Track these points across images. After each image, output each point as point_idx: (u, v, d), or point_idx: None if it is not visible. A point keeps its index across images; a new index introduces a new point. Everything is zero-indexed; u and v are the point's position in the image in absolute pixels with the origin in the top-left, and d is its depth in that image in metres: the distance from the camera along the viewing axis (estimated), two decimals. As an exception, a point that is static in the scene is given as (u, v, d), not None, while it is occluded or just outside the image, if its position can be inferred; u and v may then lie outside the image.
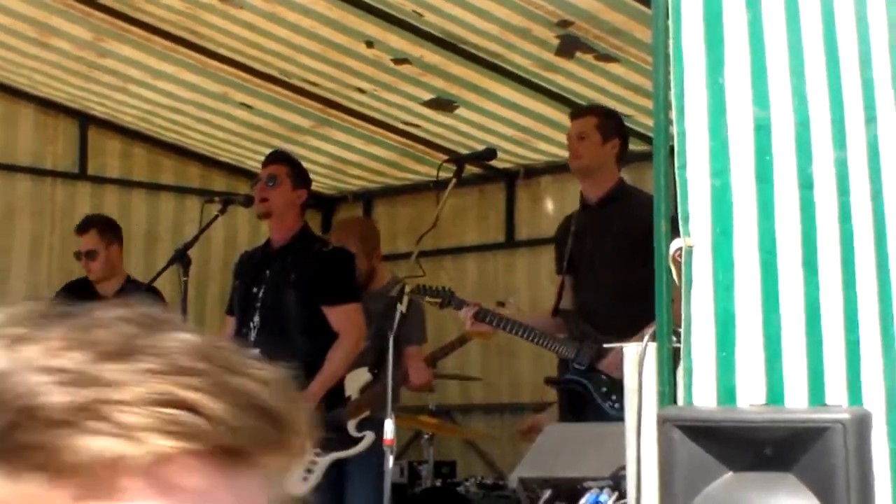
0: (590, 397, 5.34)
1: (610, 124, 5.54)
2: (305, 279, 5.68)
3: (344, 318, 5.69)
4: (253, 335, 5.71)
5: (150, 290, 6.84)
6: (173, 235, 8.29)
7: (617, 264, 5.38)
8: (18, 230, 7.75)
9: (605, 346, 4.89)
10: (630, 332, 5.13)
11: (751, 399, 3.15)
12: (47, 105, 7.99)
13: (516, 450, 7.67)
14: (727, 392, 3.20)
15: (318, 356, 5.63)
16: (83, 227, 6.89)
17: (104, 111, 7.98)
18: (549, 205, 8.07)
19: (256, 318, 5.72)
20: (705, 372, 3.24)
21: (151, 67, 6.97)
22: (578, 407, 5.39)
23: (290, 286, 5.69)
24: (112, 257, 6.88)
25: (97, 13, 6.47)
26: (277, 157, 5.99)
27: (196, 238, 5.59)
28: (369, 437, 6.38)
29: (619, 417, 5.12)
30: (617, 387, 5.21)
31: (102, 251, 6.84)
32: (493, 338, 6.20)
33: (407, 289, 4.95)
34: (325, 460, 6.45)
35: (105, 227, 6.93)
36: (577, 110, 5.79)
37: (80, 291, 6.95)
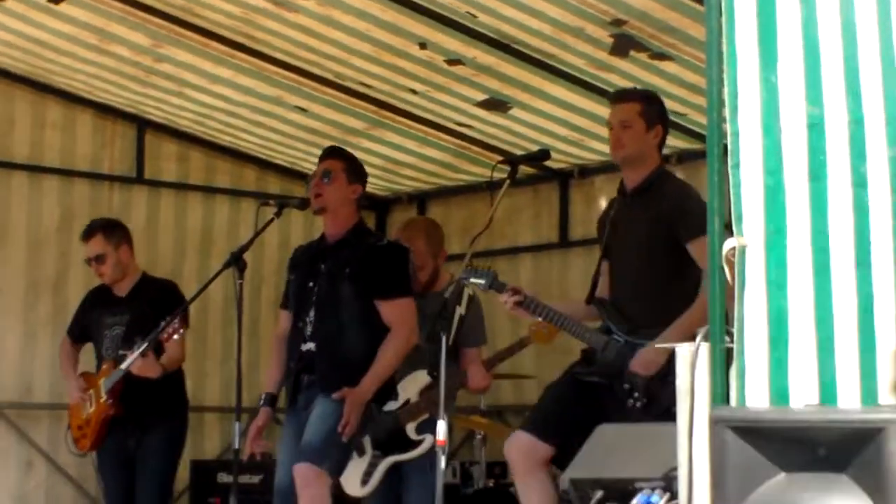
0: (612, 392, 5.30)
1: (653, 110, 5.43)
2: (360, 273, 5.67)
3: (396, 313, 5.68)
4: (309, 329, 5.72)
5: (165, 287, 6.91)
6: (228, 238, 8.35)
7: (646, 254, 5.34)
8: (76, 235, 7.82)
9: (657, 346, 4.87)
10: (658, 321, 5.12)
11: (803, 399, 3.13)
12: (105, 110, 8.09)
13: (570, 451, 7.66)
14: (780, 392, 3.18)
15: (372, 350, 5.64)
16: (88, 234, 6.89)
17: (161, 115, 8.06)
18: (604, 204, 8.03)
19: (312, 312, 5.73)
20: (758, 372, 3.23)
21: (207, 72, 7.03)
22: (592, 399, 5.30)
23: (344, 280, 5.69)
24: (122, 258, 6.90)
25: (155, 19, 6.54)
26: (332, 153, 5.98)
27: (251, 241, 5.62)
28: (428, 440, 6.39)
29: (640, 415, 5.13)
30: (640, 384, 5.19)
31: (111, 253, 6.86)
32: (555, 340, 6.17)
33: (466, 292, 4.94)
34: (385, 462, 6.48)
35: (110, 230, 6.94)
36: (619, 95, 5.62)
37: (100, 296, 7.02)
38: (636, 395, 5.21)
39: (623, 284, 5.46)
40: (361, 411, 5.61)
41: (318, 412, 5.56)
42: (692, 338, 4.77)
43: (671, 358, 5.07)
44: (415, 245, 6.60)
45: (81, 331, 7.02)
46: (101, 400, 6.70)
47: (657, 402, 5.14)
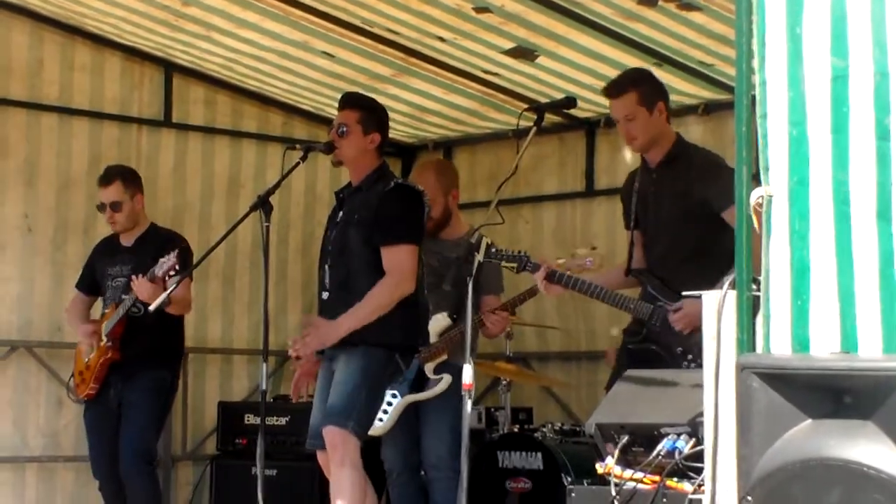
0: (665, 359, 5.36)
1: (649, 91, 5.47)
2: (366, 219, 5.63)
3: (394, 259, 5.58)
4: (326, 278, 5.75)
5: (170, 239, 6.94)
6: (255, 182, 8.40)
7: (680, 224, 5.39)
8: (104, 176, 7.88)
9: (684, 294, 4.91)
10: (697, 288, 5.14)
11: (824, 348, 3.17)
12: (133, 53, 8.12)
13: (593, 397, 7.73)
14: (801, 340, 3.22)
15: None
16: (107, 179, 6.93)
17: (188, 59, 8.09)
18: (629, 154, 8.06)
19: (329, 260, 5.75)
20: (782, 320, 3.26)
21: (235, 16, 7.04)
22: (649, 367, 5.36)
23: (353, 226, 5.67)
24: (136, 208, 6.96)
25: (183, -37, 6.55)
26: (348, 102, 5.89)
27: (277, 185, 5.64)
28: (446, 379, 6.47)
29: None
30: (690, 345, 5.23)
31: (128, 202, 6.92)
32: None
33: (485, 241, 4.98)
34: (401, 402, 6.55)
35: (129, 178, 6.98)
36: (614, 88, 5.59)
37: (106, 246, 7.08)
38: (690, 356, 5.26)
39: (658, 254, 5.51)
40: (322, 343, 5.58)
41: (340, 373, 5.57)
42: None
43: None
44: (423, 179, 6.61)
45: (91, 282, 7.08)
46: (102, 343, 6.76)
47: None
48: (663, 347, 5.38)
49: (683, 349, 5.30)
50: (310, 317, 5.65)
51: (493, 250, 5.63)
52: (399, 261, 5.59)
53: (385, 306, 5.57)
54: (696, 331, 5.16)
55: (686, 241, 5.39)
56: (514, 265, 5.70)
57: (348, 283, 5.63)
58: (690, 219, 5.36)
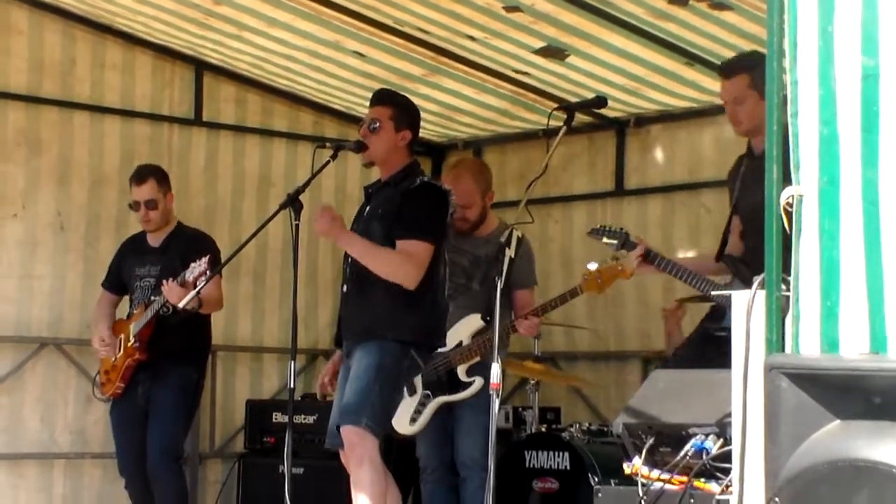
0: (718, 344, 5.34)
1: (762, 76, 5.39)
2: (390, 213, 5.62)
3: (408, 249, 5.53)
4: (349, 271, 5.73)
5: (197, 239, 6.96)
6: (286, 181, 8.42)
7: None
8: (136, 174, 7.91)
9: (713, 293, 4.89)
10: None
11: (853, 349, 3.15)
12: (164, 52, 8.14)
13: (621, 397, 7.73)
14: (830, 341, 3.21)
15: (399, 293, 5.56)
16: (141, 177, 6.94)
17: (219, 58, 8.11)
18: (659, 154, 8.05)
19: (350, 257, 5.72)
20: (811, 321, 3.25)
21: (266, 15, 7.06)
22: (724, 354, 5.34)
23: (377, 220, 5.66)
24: (168, 206, 6.99)
25: (215, -38, 6.57)
26: (380, 98, 5.87)
27: (307, 183, 5.63)
28: (479, 381, 6.46)
29: None
30: None
31: (161, 200, 6.95)
32: (605, 291, 6.23)
33: (515, 235, 4.95)
34: (434, 403, 6.55)
35: (162, 177, 7.01)
36: (727, 68, 5.53)
37: (133, 246, 7.10)
38: None
39: (752, 243, 5.47)
40: (322, 231, 5.56)
41: (354, 370, 5.55)
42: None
43: None
44: (462, 183, 6.62)
45: (118, 281, 7.11)
46: (129, 344, 6.79)
47: None
48: None
49: None
50: (328, 206, 5.63)
51: (596, 227, 5.67)
52: (414, 252, 5.55)
53: (386, 270, 5.52)
54: None
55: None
56: (615, 241, 5.69)
57: (367, 275, 5.61)
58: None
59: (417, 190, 5.68)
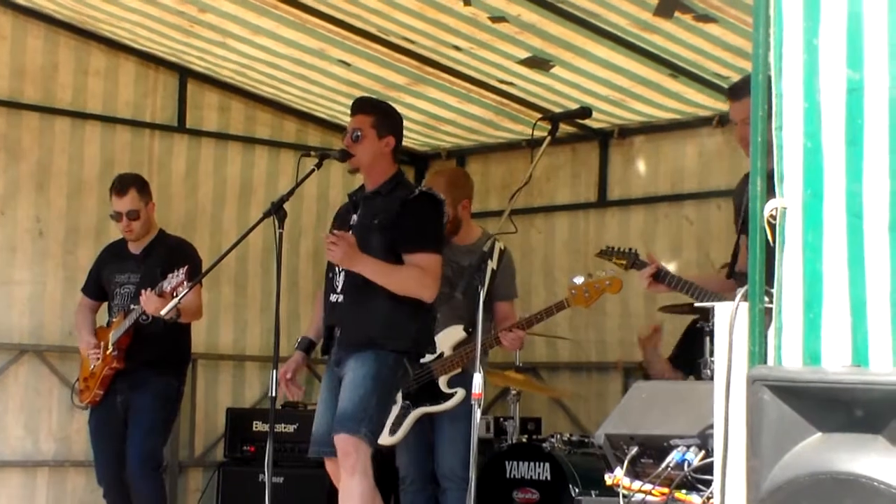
0: None
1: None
2: (389, 224, 5.59)
3: (424, 264, 5.56)
4: (339, 281, 5.66)
5: (178, 247, 6.93)
6: (267, 188, 8.41)
7: None
8: (117, 181, 7.88)
9: (696, 304, 4.90)
10: None
11: (835, 361, 3.15)
12: (148, 58, 8.13)
13: (601, 408, 7.73)
14: (812, 353, 3.21)
15: (398, 304, 5.55)
16: (123, 188, 6.88)
17: (203, 65, 8.10)
18: (642, 165, 8.07)
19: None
20: (793, 333, 3.25)
21: (250, 23, 7.06)
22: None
23: (373, 230, 5.61)
24: (150, 215, 6.95)
25: (198, -32, 6.56)
26: (361, 107, 5.83)
27: (292, 191, 5.59)
28: (461, 393, 6.45)
29: None
30: None
31: (143, 210, 6.90)
32: (591, 305, 6.24)
33: (498, 247, 4.95)
34: (414, 413, 6.53)
35: (143, 186, 6.95)
36: (735, 91, 5.52)
37: (113, 252, 7.07)
38: None
39: None
40: (340, 260, 5.50)
41: (351, 379, 5.50)
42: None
43: None
44: (436, 189, 6.62)
45: (97, 288, 7.08)
46: (108, 352, 6.76)
47: None
48: None
49: None
50: (345, 233, 5.57)
51: (606, 248, 5.67)
52: (427, 265, 5.57)
53: (405, 288, 5.53)
54: None
55: None
56: (624, 262, 5.69)
57: (366, 285, 5.59)
58: None
59: (418, 201, 5.67)
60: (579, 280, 6.18)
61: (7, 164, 7.73)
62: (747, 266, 5.42)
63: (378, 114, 5.78)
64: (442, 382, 6.55)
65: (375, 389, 5.45)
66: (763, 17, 3.38)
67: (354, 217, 5.76)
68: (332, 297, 5.70)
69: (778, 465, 3.00)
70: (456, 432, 6.42)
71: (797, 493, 2.95)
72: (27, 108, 7.80)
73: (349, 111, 5.86)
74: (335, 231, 5.61)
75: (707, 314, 5.39)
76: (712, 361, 5.18)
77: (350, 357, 5.54)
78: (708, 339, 5.25)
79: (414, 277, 5.55)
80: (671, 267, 7.34)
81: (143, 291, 6.46)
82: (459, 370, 6.52)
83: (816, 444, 2.97)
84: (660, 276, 5.51)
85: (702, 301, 5.44)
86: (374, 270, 5.53)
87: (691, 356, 5.42)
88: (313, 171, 5.66)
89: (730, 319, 3.40)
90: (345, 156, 5.71)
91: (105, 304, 7.09)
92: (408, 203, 5.64)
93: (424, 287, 5.56)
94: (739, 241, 5.57)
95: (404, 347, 5.57)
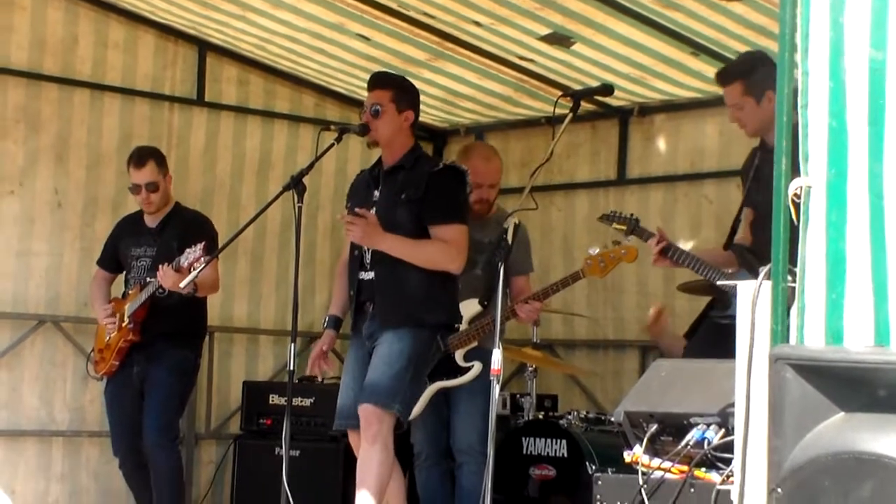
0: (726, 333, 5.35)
1: (755, 82, 5.40)
2: (416, 198, 5.61)
3: (450, 236, 5.60)
4: (368, 258, 5.69)
5: (194, 221, 6.94)
6: (286, 163, 8.40)
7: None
8: (135, 153, 7.88)
9: (718, 283, 4.89)
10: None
11: (857, 341, 3.14)
12: (167, 31, 8.11)
13: (618, 386, 7.73)
14: (835, 333, 3.20)
15: (429, 277, 5.59)
16: (141, 160, 6.89)
17: (222, 38, 8.09)
18: (662, 143, 8.04)
19: None
20: (816, 312, 3.24)
21: (271, -4, 7.04)
22: (724, 341, 5.38)
23: (401, 205, 5.64)
24: (168, 187, 6.96)
25: (220, -59, 6.54)
26: (380, 82, 5.85)
27: (311, 166, 5.59)
28: (477, 366, 6.44)
29: None
30: None
31: (161, 182, 6.91)
32: (606, 275, 6.26)
33: (512, 222, 4.94)
34: (431, 388, 6.53)
35: (161, 158, 6.97)
36: (723, 76, 5.59)
37: (129, 225, 7.07)
38: None
39: (765, 235, 5.47)
40: (360, 239, 5.52)
41: (387, 353, 5.53)
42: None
43: None
44: (493, 162, 6.79)
45: (113, 260, 7.09)
46: (124, 324, 6.77)
47: None
48: None
49: None
50: (366, 211, 5.59)
51: (609, 213, 5.70)
52: (453, 237, 5.60)
53: (431, 262, 5.57)
54: None
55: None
56: (624, 227, 5.72)
57: (395, 263, 5.57)
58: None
59: (443, 173, 5.73)
60: (594, 251, 6.20)
61: (26, 135, 7.73)
62: (745, 238, 5.47)
63: (397, 88, 5.79)
64: (458, 356, 6.55)
65: (410, 366, 5.49)
66: (790, -4, 3.36)
67: (376, 193, 5.76)
68: (361, 275, 5.70)
69: (800, 445, 3.01)
70: (473, 407, 6.43)
71: (819, 473, 2.95)
72: (47, 80, 7.78)
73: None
74: (357, 210, 5.61)
75: (722, 298, 5.40)
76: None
77: (385, 330, 5.55)
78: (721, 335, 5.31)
79: (440, 251, 5.58)
80: (689, 245, 7.34)
81: (160, 266, 6.47)
82: (475, 344, 6.53)
83: (839, 423, 2.97)
84: (667, 252, 5.53)
85: (705, 275, 5.45)
86: (398, 247, 5.54)
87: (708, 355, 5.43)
88: (333, 145, 5.68)
89: (752, 297, 3.39)
90: (364, 130, 5.71)
91: (119, 277, 7.11)
92: (434, 175, 5.67)
93: (451, 259, 5.60)
94: (742, 213, 5.58)
95: (441, 321, 5.66)
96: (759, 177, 5.49)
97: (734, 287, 5.33)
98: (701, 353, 5.36)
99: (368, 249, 5.67)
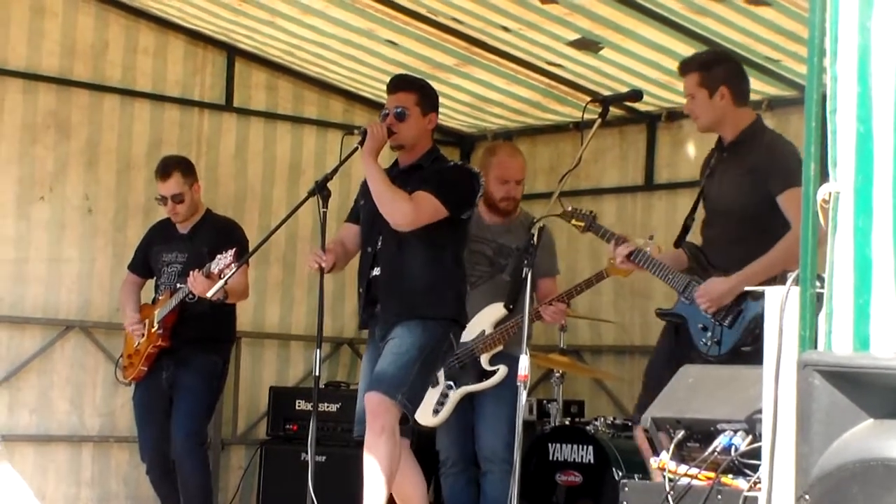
0: (688, 331, 5.38)
1: (711, 76, 5.43)
2: (420, 189, 5.58)
3: (419, 198, 5.51)
4: (377, 255, 5.66)
5: (225, 227, 6.95)
6: (315, 168, 8.43)
7: (735, 205, 5.37)
8: (166, 159, 7.91)
9: (747, 288, 4.88)
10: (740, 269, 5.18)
11: (884, 346, 3.13)
12: (197, 37, 8.15)
13: (647, 393, 7.69)
14: (861, 339, 3.19)
15: (435, 271, 5.58)
16: (166, 172, 6.92)
17: (251, 44, 8.12)
18: (690, 149, 8.01)
19: (380, 237, 5.66)
20: (843, 318, 3.23)
21: (300, 2, 7.06)
22: (681, 338, 5.43)
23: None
24: (195, 197, 6.99)
25: (249, -52, 6.56)
26: (403, 84, 5.85)
27: (335, 170, 5.60)
28: (502, 370, 6.45)
29: (710, 355, 5.21)
30: (715, 325, 5.24)
31: (187, 192, 6.93)
32: (630, 275, 6.27)
33: (536, 226, 4.96)
34: (458, 393, 6.54)
35: (187, 168, 6.99)
36: (682, 66, 5.62)
37: (161, 231, 7.10)
38: (709, 334, 5.27)
39: (712, 232, 5.50)
40: (374, 137, 5.55)
41: (396, 345, 5.50)
42: (766, 280, 4.84)
43: (741, 300, 5.15)
44: (518, 159, 6.93)
45: (144, 265, 7.12)
46: (153, 330, 6.80)
47: (727, 345, 5.22)
48: (687, 321, 5.39)
49: (705, 326, 5.31)
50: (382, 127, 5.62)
51: (570, 209, 5.80)
52: (422, 199, 5.52)
53: (388, 199, 5.50)
54: (720, 310, 5.23)
55: (738, 221, 5.37)
56: (582, 224, 5.77)
57: (401, 257, 5.59)
58: (745, 199, 5.34)
59: (456, 168, 5.82)
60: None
61: (57, 141, 7.78)
62: (705, 238, 5.52)
63: (420, 91, 5.80)
64: (484, 360, 6.56)
65: (419, 358, 5.45)
66: (819, 1, 3.35)
67: None
68: (371, 273, 5.70)
69: (828, 451, 2.99)
70: (497, 413, 6.43)
71: (847, 480, 2.94)
72: (77, 86, 7.83)
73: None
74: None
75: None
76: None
77: (396, 326, 5.54)
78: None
79: (399, 198, 5.50)
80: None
81: (191, 272, 6.49)
82: (501, 347, 6.52)
83: (867, 430, 2.95)
84: (632, 256, 5.54)
85: (665, 279, 5.49)
86: (375, 174, 5.54)
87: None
88: (357, 149, 5.67)
89: (780, 303, 3.38)
90: (388, 133, 5.69)
91: (150, 283, 7.13)
92: (441, 170, 5.70)
93: (403, 210, 5.50)
94: (694, 212, 5.61)
95: (448, 314, 5.58)
96: (712, 174, 5.52)
97: (682, 284, 5.40)
98: (661, 359, 5.43)
99: (378, 244, 5.64)
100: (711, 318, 5.30)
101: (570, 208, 5.86)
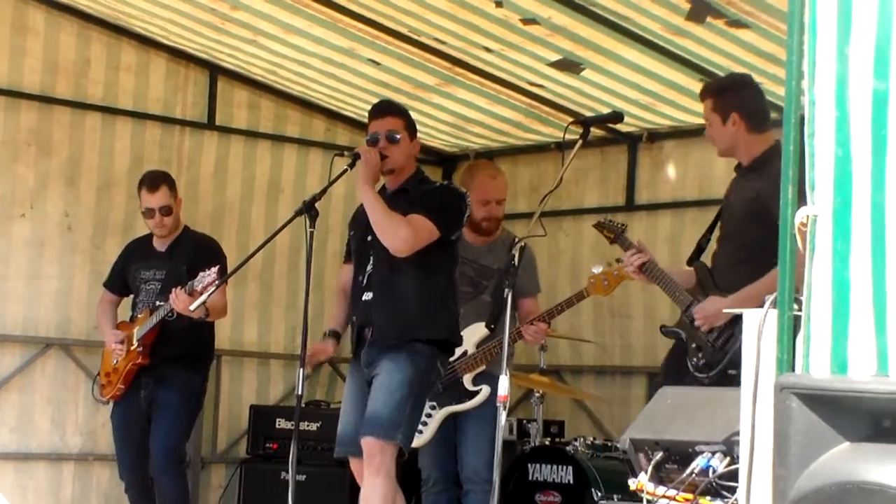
0: (687, 349, 5.42)
1: (724, 102, 5.46)
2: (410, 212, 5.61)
3: (416, 221, 5.53)
4: (368, 278, 5.68)
5: (204, 244, 6.95)
6: (295, 187, 8.43)
7: (741, 228, 5.41)
8: (147, 177, 7.91)
9: (727, 310, 4.91)
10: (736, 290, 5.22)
11: (862, 370, 3.14)
12: (179, 55, 8.15)
13: (625, 413, 7.72)
14: (839, 362, 3.19)
15: (427, 295, 5.59)
16: (154, 184, 6.91)
17: (234, 63, 8.12)
18: (671, 170, 8.05)
19: (370, 264, 5.68)
20: (821, 341, 3.24)
21: (282, 21, 7.07)
22: (680, 356, 5.48)
23: None
24: (179, 211, 7.00)
25: (230, -33, 6.57)
26: (392, 109, 5.89)
27: (324, 191, 5.60)
28: (485, 391, 6.45)
29: (700, 375, 5.24)
30: (708, 346, 5.26)
31: (174, 205, 6.94)
32: (610, 294, 6.32)
33: (518, 246, 4.98)
34: (441, 413, 6.53)
35: (172, 182, 7.00)
36: (702, 92, 5.66)
37: (138, 249, 7.09)
38: (700, 355, 5.30)
39: (721, 254, 5.55)
40: (369, 164, 5.57)
41: (386, 383, 5.50)
42: (760, 303, 4.87)
43: (734, 322, 5.17)
44: (500, 179, 6.90)
45: (121, 283, 7.11)
46: (132, 348, 6.78)
47: (715, 367, 5.24)
48: (687, 338, 5.42)
49: (697, 346, 5.34)
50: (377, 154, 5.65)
51: (600, 220, 5.90)
52: (417, 223, 5.54)
53: (385, 224, 5.51)
54: (713, 330, 5.28)
55: (745, 243, 5.40)
56: (612, 235, 5.81)
57: (393, 278, 5.60)
58: (753, 221, 5.37)
59: (442, 188, 5.87)
60: (598, 269, 6.24)
61: (38, 158, 7.77)
62: (714, 259, 5.55)
63: (407, 117, 5.87)
64: (467, 380, 6.56)
65: (411, 395, 5.46)
66: (797, 23, 3.37)
67: None
68: (363, 297, 5.70)
69: (805, 474, 2.99)
70: (479, 433, 6.43)
71: (823, 503, 2.94)
72: (59, 103, 7.83)
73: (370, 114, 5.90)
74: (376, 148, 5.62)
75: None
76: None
77: (383, 358, 5.53)
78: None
79: (396, 222, 5.52)
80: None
81: (173, 289, 6.48)
82: (483, 367, 6.53)
83: (844, 453, 2.96)
84: (644, 268, 5.57)
85: (672, 295, 5.52)
86: (372, 200, 5.56)
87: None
88: (346, 171, 5.68)
89: (758, 325, 3.39)
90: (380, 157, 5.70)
91: (126, 301, 7.12)
92: (428, 190, 5.73)
93: (400, 235, 5.51)
94: (710, 233, 5.65)
95: (438, 336, 5.59)
96: (728, 194, 5.56)
97: (685, 302, 5.43)
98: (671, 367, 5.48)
99: (369, 272, 5.66)
100: (706, 337, 5.33)
101: (605, 219, 5.94)
